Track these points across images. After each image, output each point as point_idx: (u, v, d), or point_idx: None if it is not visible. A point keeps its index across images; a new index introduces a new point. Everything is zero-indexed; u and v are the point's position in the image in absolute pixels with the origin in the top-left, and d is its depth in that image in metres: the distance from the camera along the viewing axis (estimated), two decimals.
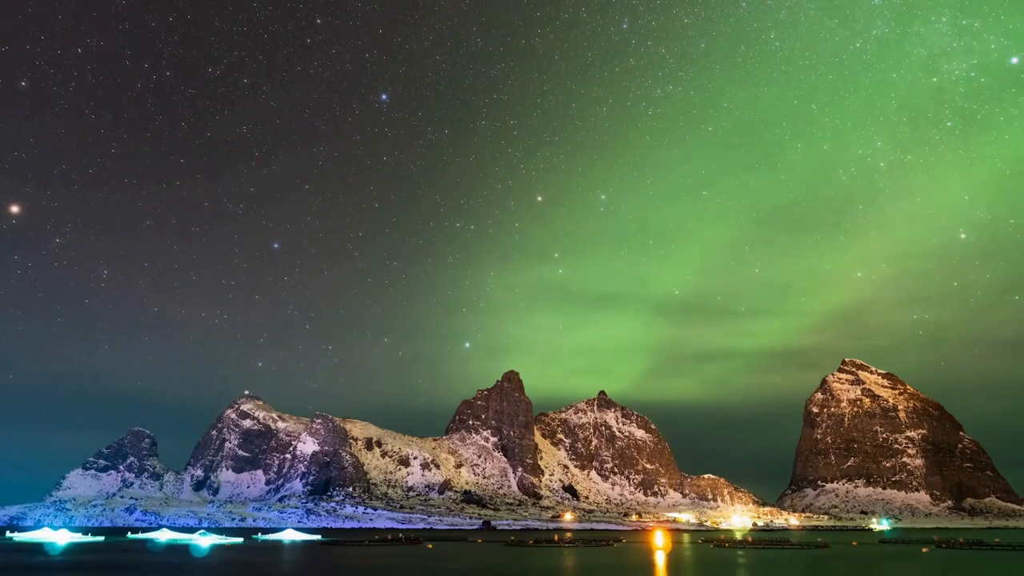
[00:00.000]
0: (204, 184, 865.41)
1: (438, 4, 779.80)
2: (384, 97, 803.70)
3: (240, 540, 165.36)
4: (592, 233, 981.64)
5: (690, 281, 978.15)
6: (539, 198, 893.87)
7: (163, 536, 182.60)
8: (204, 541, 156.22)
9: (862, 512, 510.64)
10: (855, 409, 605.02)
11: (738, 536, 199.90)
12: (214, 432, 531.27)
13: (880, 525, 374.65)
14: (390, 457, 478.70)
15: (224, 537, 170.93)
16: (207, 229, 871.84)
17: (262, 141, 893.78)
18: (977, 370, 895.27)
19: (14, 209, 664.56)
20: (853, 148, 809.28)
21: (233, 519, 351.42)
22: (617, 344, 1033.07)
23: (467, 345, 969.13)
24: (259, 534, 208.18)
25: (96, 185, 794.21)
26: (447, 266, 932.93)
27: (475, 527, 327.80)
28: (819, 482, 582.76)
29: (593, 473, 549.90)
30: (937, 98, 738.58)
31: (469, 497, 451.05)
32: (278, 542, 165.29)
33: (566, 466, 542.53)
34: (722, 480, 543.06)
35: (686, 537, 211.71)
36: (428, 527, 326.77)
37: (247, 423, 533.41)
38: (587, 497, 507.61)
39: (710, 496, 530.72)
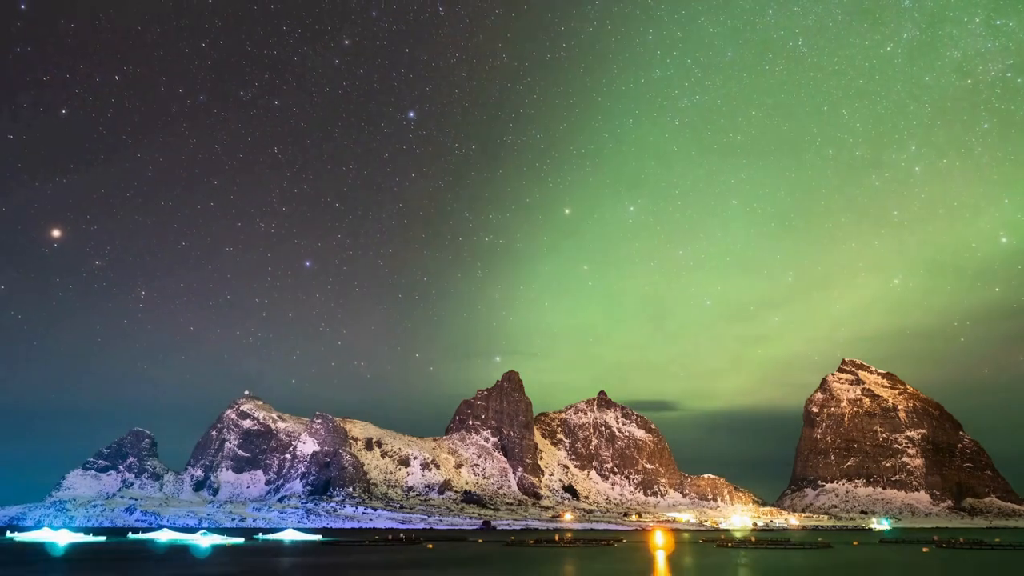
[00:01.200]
0: (237, 205, 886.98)
1: (463, 22, 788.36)
2: (411, 115, 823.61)
3: (241, 540, 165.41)
4: (621, 244, 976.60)
5: (720, 290, 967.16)
6: (567, 211, 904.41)
7: (164, 536, 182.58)
8: (205, 541, 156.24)
9: (862, 512, 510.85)
10: (855, 409, 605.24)
11: (740, 536, 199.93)
12: (214, 432, 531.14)
13: (880, 525, 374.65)
14: (390, 457, 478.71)
15: (225, 537, 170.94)
16: (240, 249, 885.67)
17: (293, 161, 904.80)
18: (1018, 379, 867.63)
19: (55, 233, 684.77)
20: (887, 153, 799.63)
21: (233, 519, 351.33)
22: (649, 355, 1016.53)
23: (497, 359, 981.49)
24: (260, 534, 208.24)
25: (133, 208, 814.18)
26: (476, 280, 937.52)
27: (475, 527, 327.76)
28: (819, 482, 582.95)
29: (593, 473, 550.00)
30: (972, 100, 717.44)
31: (469, 497, 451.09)
32: (279, 542, 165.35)
33: (566, 466, 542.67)
34: (722, 480, 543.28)
35: (687, 537, 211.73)
36: (428, 527, 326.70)
37: (247, 423, 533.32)
38: (587, 497, 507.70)
39: (710, 496, 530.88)
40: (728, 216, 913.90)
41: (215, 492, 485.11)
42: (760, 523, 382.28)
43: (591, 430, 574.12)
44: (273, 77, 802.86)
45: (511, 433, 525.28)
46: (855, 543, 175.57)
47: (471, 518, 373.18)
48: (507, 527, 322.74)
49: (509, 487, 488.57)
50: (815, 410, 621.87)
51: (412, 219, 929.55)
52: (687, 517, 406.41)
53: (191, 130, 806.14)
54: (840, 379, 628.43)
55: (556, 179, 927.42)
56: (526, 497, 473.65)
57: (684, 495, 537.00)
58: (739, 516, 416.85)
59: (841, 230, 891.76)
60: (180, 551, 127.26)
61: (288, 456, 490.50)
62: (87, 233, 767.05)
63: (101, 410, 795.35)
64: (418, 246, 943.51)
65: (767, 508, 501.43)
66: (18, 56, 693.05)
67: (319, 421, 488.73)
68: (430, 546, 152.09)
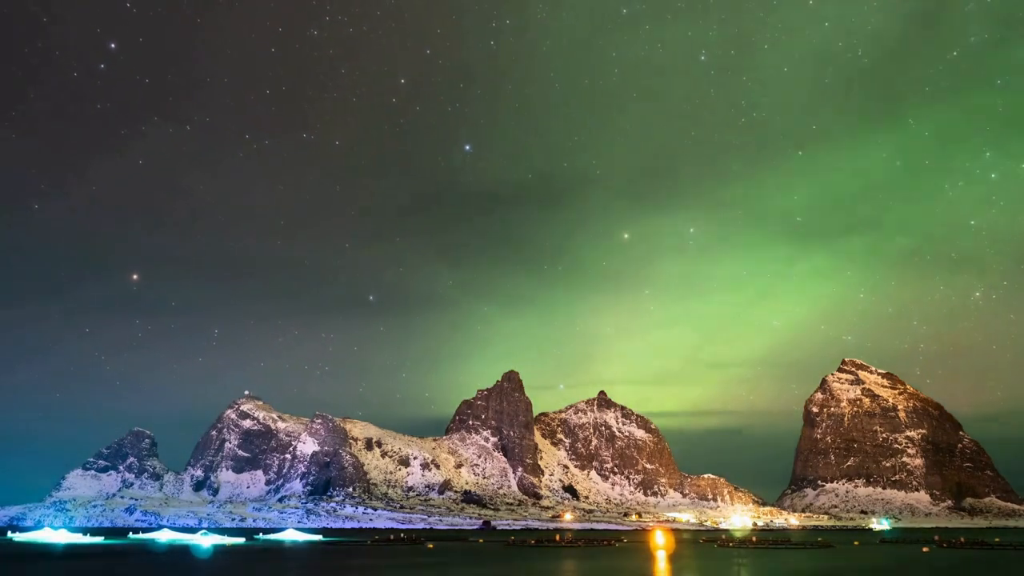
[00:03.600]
0: (304, 242, 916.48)
1: (516, 55, 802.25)
2: (468, 148, 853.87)
3: (242, 540, 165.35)
4: (681, 267, 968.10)
5: (794, 317, 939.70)
6: (626, 235, 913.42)
7: (164, 536, 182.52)
8: (206, 541, 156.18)
9: (862, 512, 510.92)
10: (855, 409, 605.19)
11: (740, 536, 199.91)
12: (214, 432, 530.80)
13: (880, 525, 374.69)
14: (390, 457, 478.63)
15: (226, 537, 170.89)
16: (307, 284, 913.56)
17: (355, 198, 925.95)
18: None
19: (134, 276, 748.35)
20: (958, 161, 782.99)
21: (233, 519, 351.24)
22: (712, 391, 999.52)
23: (561, 387, 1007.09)
24: (260, 534, 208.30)
25: (206, 250, 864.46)
26: (540, 308, 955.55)
27: (475, 527, 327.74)
28: (819, 482, 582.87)
29: (593, 473, 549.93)
30: None
31: (469, 497, 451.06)
32: (280, 542, 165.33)
33: (566, 466, 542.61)
34: (722, 480, 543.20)
35: (687, 537, 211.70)
36: (428, 527, 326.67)
37: (247, 423, 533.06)
38: (587, 497, 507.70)
39: (710, 496, 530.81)
40: (794, 233, 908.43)
41: (215, 492, 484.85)
42: (760, 523, 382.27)
43: (591, 430, 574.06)
44: (333, 117, 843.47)
45: (511, 433, 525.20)
46: (856, 543, 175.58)
47: (471, 518, 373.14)
48: (507, 527, 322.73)
49: (509, 487, 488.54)
50: (815, 410, 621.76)
51: (471, 249, 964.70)
52: (687, 517, 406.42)
53: (257, 172, 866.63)
54: (840, 379, 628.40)
55: (614, 205, 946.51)
56: (526, 497, 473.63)
57: (684, 495, 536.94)
58: (739, 516, 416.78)
59: (916, 245, 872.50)
60: (181, 551, 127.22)
61: (288, 456, 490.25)
62: (163, 275, 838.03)
63: (107, 410, 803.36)
64: (479, 276, 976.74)
65: (767, 508, 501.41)
66: (98, 112, 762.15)
67: (319, 421, 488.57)
68: (430, 546, 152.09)
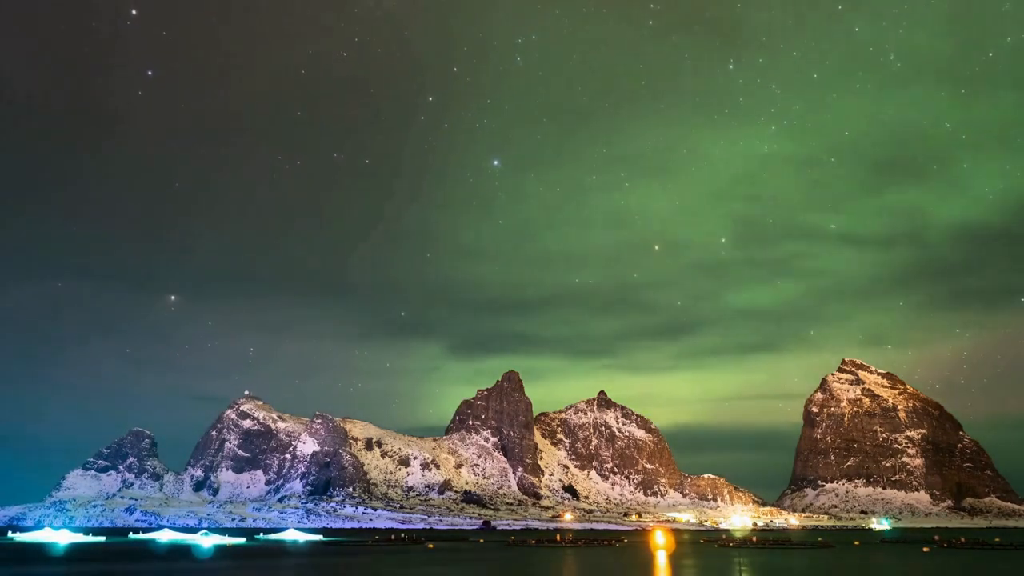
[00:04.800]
0: (337, 259, 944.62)
1: (542, 68, 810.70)
2: (496, 163, 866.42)
3: (242, 540, 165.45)
4: (716, 275, 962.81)
5: (851, 327, 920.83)
6: (656, 247, 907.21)
7: (165, 536, 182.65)
8: (206, 541, 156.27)
9: (862, 512, 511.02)
10: (855, 409, 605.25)
11: (740, 536, 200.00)
12: (214, 432, 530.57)
13: (880, 525, 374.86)
14: (390, 457, 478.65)
15: (226, 537, 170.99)
16: (338, 299, 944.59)
17: (382, 216, 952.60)
18: None
19: (172, 298, 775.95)
20: (999, 164, 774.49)
21: (233, 519, 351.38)
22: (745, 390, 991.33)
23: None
24: (261, 534, 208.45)
25: (240, 268, 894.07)
26: (570, 321, 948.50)
27: (475, 527, 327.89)
28: (819, 482, 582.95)
29: (593, 473, 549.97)
30: None
31: (469, 497, 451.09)
32: (281, 542, 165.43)
33: (566, 466, 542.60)
34: (722, 480, 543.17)
35: (687, 537, 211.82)
36: (428, 527, 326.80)
37: (247, 423, 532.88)
38: (587, 497, 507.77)
39: (710, 496, 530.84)
40: (828, 241, 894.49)
41: (215, 492, 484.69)
42: (760, 523, 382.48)
43: (591, 430, 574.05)
44: (363, 138, 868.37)
45: (511, 433, 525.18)
46: (856, 543, 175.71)
47: (471, 518, 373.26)
48: (507, 527, 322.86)
49: (509, 487, 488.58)
50: (815, 410, 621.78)
51: (501, 263, 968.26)
52: (687, 517, 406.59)
53: (288, 190, 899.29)
54: (840, 379, 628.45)
55: (643, 215, 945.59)
56: (526, 497, 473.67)
57: (684, 495, 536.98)
58: (739, 516, 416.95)
59: (963, 255, 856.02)
60: (183, 551, 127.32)
61: (288, 456, 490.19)
62: (201, 296, 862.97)
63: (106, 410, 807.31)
64: (509, 290, 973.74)
65: (767, 508, 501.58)
66: (137, 134, 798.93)
67: (319, 421, 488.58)
68: (431, 546, 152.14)
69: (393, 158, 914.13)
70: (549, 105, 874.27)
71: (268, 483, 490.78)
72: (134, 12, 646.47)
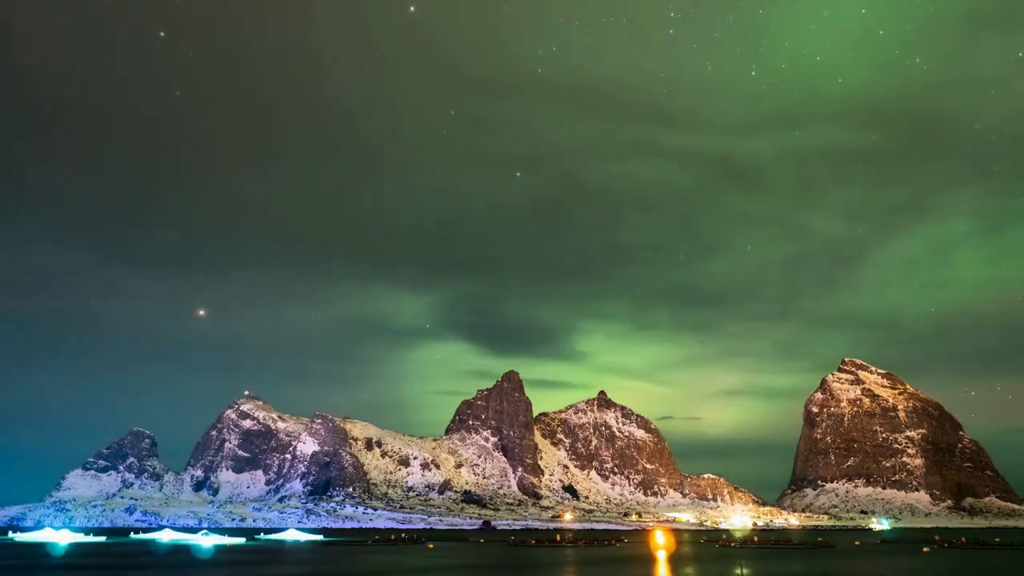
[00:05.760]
0: (365, 285, 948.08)
1: (562, 80, 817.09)
2: (518, 175, 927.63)
3: (243, 540, 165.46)
4: (740, 285, 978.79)
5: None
6: (681, 256, 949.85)
7: (165, 536, 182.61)
8: (207, 541, 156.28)
9: (862, 512, 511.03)
10: (855, 409, 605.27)
11: (740, 536, 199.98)
12: (214, 432, 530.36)
13: (880, 525, 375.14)
14: (390, 457, 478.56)
15: (227, 537, 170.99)
16: (361, 320, 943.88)
17: (408, 228, 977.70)
18: None
19: (201, 312, 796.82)
20: None
21: (233, 519, 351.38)
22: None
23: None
24: (261, 534, 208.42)
25: (269, 285, 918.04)
26: (612, 334, 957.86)
27: (475, 527, 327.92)
28: (819, 482, 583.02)
29: (593, 473, 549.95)
30: None
31: (469, 497, 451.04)
32: (281, 542, 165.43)
33: (566, 466, 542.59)
34: (722, 480, 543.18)
35: (687, 537, 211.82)
36: (428, 527, 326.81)
37: (247, 423, 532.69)
38: (587, 497, 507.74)
39: (710, 496, 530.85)
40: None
41: (215, 492, 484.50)
42: (760, 523, 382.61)
43: (591, 430, 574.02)
44: (387, 150, 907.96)
45: (511, 433, 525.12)
46: (857, 543, 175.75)
47: (471, 518, 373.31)
48: (507, 527, 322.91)
49: (509, 487, 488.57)
50: (815, 410, 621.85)
51: (529, 273, 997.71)
52: (687, 517, 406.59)
53: (307, 214, 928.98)
54: (840, 379, 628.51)
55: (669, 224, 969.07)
56: (526, 497, 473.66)
57: (684, 495, 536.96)
58: (739, 516, 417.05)
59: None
60: (184, 551, 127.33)
61: (288, 456, 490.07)
62: (229, 310, 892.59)
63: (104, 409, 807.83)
64: (537, 299, 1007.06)
65: (767, 508, 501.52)
66: (169, 148, 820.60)
67: (319, 421, 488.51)
68: (431, 546, 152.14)
69: (416, 169, 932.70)
70: (569, 116, 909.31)
71: (268, 483, 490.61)
72: (162, 34, 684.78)
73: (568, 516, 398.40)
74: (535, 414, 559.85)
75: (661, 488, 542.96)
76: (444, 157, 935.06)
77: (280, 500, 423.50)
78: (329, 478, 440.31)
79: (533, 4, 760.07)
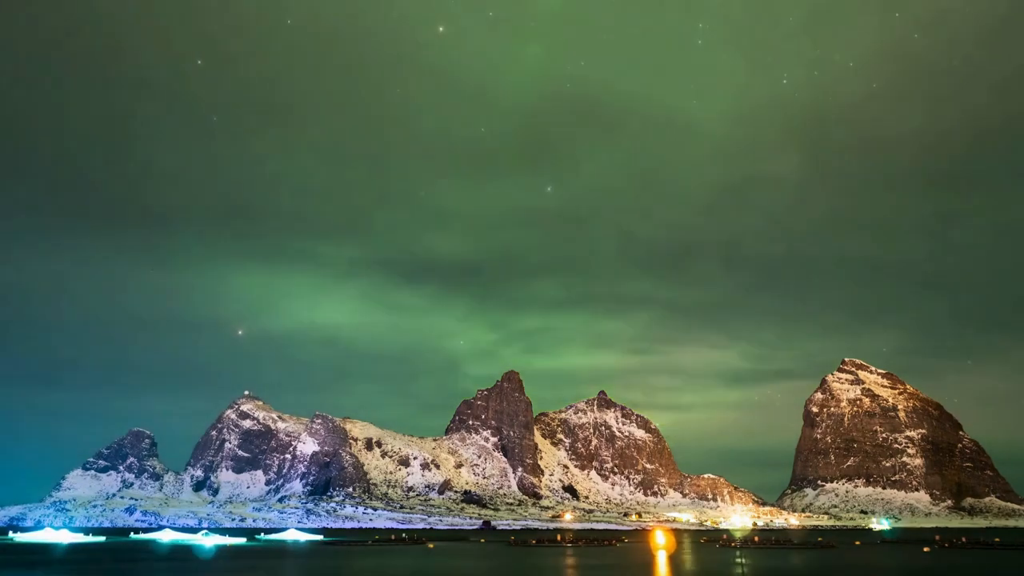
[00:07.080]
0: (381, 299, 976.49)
1: (592, 95, 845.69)
2: (549, 189, 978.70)
3: (243, 540, 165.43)
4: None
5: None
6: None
7: (166, 537, 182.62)
8: (207, 541, 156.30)
9: (862, 512, 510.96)
10: (855, 409, 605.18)
11: (740, 536, 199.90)
12: (214, 432, 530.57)
13: (880, 525, 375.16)
14: (390, 457, 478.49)
15: (227, 537, 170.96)
16: (383, 335, 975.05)
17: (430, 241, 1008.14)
18: None
19: (240, 332, 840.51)
20: None
21: (233, 519, 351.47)
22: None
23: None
24: (261, 534, 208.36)
25: (298, 300, 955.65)
26: (632, 340, 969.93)
27: (475, 527, 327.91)
28: (819, 482, 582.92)
29: (593, 473, 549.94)
30: None
31: (469, 497, 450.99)
32: (282, 542, 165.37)
33: (566, 466, 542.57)
34: (722, 480, 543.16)
35: (687, 537, 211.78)
36: (428, 527, 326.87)
37: (247, 423, 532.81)
38: (587, 497, 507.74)
39: (710, 496, 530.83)
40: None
41: (215, 492, 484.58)
42: (760, 523, 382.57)
43: (591, 430, 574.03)
44: (423, 163, 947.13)
45: (511, 433, 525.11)
46: (857, 543, 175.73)
47: (471, 518, 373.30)
48: (507, 527, 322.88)
49: (509, 487, 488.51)
50: (815, 410, 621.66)
51: (557, 285, 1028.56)
52: (687, 517, 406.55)
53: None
54: (840, 379, 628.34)
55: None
56: (526, 497, 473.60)
57: (684, 495, 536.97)
58: (739, 516, 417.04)
59: None
60: (184, 552, 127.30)
61: (288, 456, 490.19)
62: (263, 329, 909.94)
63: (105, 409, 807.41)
64: (570, 317, 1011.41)
65: (767, 508, 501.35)
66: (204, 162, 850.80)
67: (319, 421, 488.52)
68: (431, 546, 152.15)
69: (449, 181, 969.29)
70: (598, 130, 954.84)
71: (268, 483, 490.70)
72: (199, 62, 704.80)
73: (568, 516, 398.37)
74: (535, 414, 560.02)
75: (661, 488, 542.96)
76: None
77: (280, 500, 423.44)
78: (329, 478, 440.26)
79: None
